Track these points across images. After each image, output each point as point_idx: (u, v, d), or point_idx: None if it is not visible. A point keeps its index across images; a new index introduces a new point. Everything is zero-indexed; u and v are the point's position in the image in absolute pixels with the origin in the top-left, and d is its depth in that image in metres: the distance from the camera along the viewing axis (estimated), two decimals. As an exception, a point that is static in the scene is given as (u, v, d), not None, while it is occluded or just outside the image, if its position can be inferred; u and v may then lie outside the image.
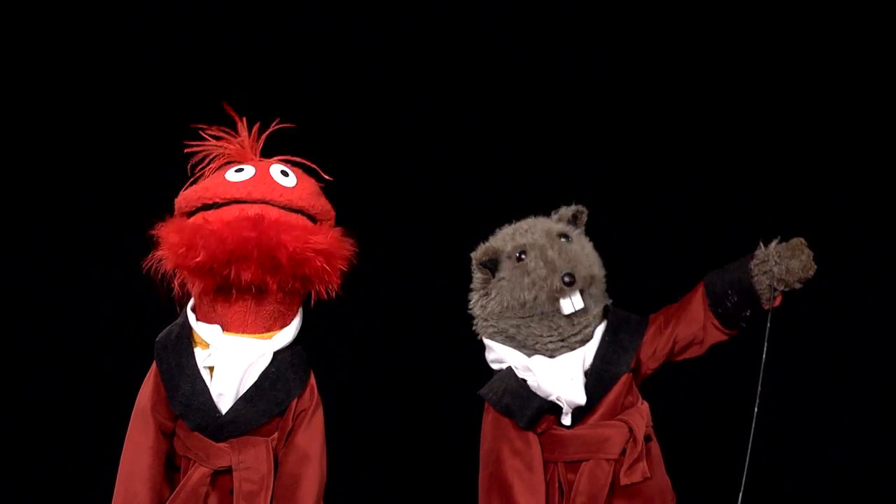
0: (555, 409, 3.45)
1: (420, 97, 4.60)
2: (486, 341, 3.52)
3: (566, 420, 3.44)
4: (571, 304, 3.41)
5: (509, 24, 4.60)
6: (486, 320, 3.51)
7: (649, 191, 4.54)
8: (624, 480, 3.40)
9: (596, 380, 3.43)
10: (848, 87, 4.50)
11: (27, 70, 4.51)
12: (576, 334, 3.45)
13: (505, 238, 3.51)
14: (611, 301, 3.55)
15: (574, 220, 3.54)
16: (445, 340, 4.36)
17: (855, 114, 4.50)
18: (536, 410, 3.44)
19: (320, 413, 3.46)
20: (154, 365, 3.43)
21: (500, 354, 3.51)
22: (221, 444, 3.36)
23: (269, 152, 3.48)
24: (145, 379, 3.45)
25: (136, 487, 3.34)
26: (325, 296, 3.32)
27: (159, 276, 3.30)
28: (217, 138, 3.44)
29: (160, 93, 4.50)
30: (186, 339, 3.40)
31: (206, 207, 3.31)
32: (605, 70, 4.57)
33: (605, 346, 3.45)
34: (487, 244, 3.53)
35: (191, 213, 3.34)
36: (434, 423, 4.47)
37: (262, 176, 3.32)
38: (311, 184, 3.40)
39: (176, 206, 3.39)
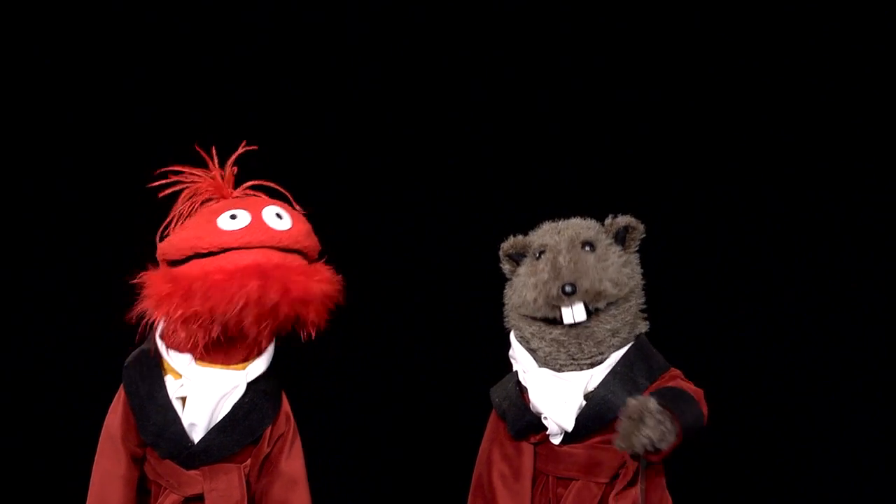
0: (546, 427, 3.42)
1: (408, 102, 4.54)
2: (511, 336, 3.49)
3: (556, 440, 3.41)
4: (572, 314, 3.32)
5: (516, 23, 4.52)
6: (508, 312, 3.48)
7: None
8: None
9: (596, 409, 3.35)
10: (847, 87, 4.46)
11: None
12: (586, 358, 3.37)
13: (539, 234, 3.46)
14: (646, 326, 3.45)
15: (624, 232, 3.44)
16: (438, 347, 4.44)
17: (854, 114, 4.47)
18: (527, 424, 3.42)
19: (299, 440, 3.44)
20: (121, 391, 3.36)
21: (514, 352, 3.48)
22: (193, 472, 3.33)
23: (240, 178, 3.40)
24: (113, 403, 3.38)
25: None
26: (311, 336, 3.26)
27: (143, 325, 3.22)
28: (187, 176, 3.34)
29: (123, 126, 4.38)
30: (156, 368, 3.33)
31: (200, 256, 3.20)
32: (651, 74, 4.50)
33: (614, 375, 3.36)
34: (518, 237, 3.49)
35: (179, 262, 3.22)
36: (430, 433, 4.51)
37: (258, 222, 3.21)
38: (303, 222, 3.30)
39: (161, 253, 3.27)
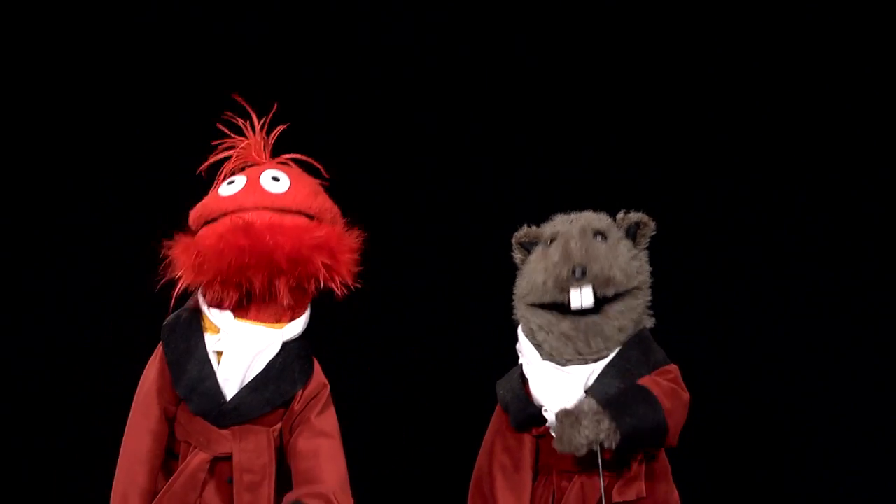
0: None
1: (439, 93, 4.60)
2: (519, 329, 3.51)
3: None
4: (580, 297, 3.34)
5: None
6: (516, 304, 3.50)
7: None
8: (616, 498, 3.37)
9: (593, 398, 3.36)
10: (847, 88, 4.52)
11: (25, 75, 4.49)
12: (593, 353, 3.40)
13: (551, 224, 3.50)
14: (652, 321, 3.48)
15: (636, 227, 3.49)
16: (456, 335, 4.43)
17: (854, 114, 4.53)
18: (528, 416, 3.42)
19: (333, 407, 3.46)
20: (159, 348, 3.41)
21: (521, 345, 3.50)
22: (223, 431, 3.35)
23: (279, 150, 3.48)
24: (149, 362, 3.43)
25: (135, 469, 3.33)
26: (341, 291, 3.31)
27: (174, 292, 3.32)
28: (229, 147, 3.46)
29: (163, 98, 4.49)
30: (196, 323, 3.39)
31: (208, 223, 3.33)
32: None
33: (612, 368, 3.38)
34: (531, 227, 3.53)
35: (199, 230, 3.36)
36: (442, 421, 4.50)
37: (252, 185, 3.33)
38: (306, 184, 3.39)
39: (189, 222, 3.41)
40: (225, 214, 3.30)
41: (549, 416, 3.36)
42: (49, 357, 4.42)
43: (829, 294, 4.44)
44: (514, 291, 3.52)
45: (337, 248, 3.30)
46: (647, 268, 3.48)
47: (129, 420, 3.39)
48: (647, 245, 3.50)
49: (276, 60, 4.50)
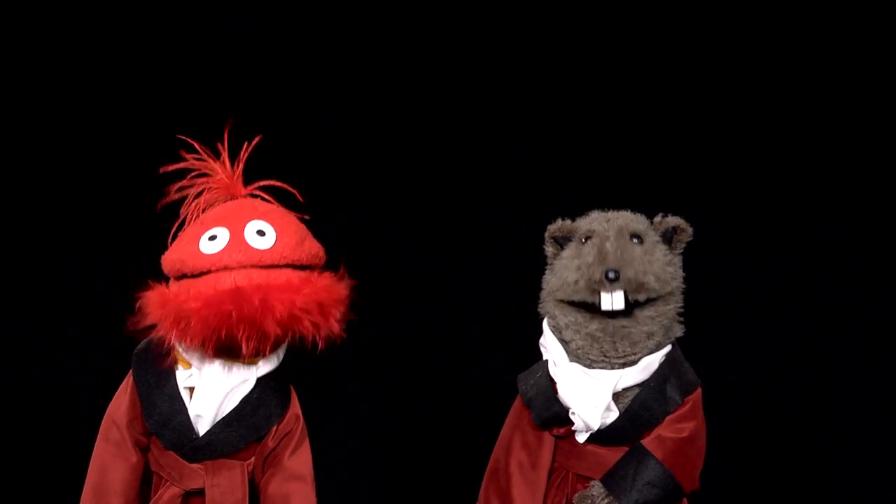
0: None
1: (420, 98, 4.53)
2: (543, 323, 3.47)
3: (580, 438, 3.40)
4: (611, 300, 3.29)
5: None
6: (544, 298, 3.46)
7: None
8: None
9: (628, 422, 3.36)
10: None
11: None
12: (619, 357, 3.36)
13: (587, 221, 3.44)
14: (682, 330, 3.44)
15: (672, 232, 3.43)
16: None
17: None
18: (554, 415, 3.40)
19: (307, 441, 3.39)
20: (130, 377, 3.33)
21: (546, 340, 3.46)
22: (195, 465, 3.30)
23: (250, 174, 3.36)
24: (119, 389, 3.35)
25: (108, 502, 3.27)
26: (326, 345, 3.19)
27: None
28: (200, 175, 3.30)
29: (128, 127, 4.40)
30: (167, 357, 3.26)
31: (186, 277, 3.17)
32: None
33: (648, 391, 3.36)
34: (566, 221, 3.47)
35: (176, 280, 3.21)
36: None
37: (237, 242, 3.16)
38: (292, 232, 3.23)
39: (163, 267, 3.25)
40: (208, 273, 3.13)
41: (577, 419, 3.37)
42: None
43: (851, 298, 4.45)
44: (543, 285, 3.47)
45: (327, 303, 3.16)
46: (681, 273, 3.44)
47: (96, 449, 3.32)
48: (682, 251, 3.45)
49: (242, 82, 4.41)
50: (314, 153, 4.36)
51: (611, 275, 3.28)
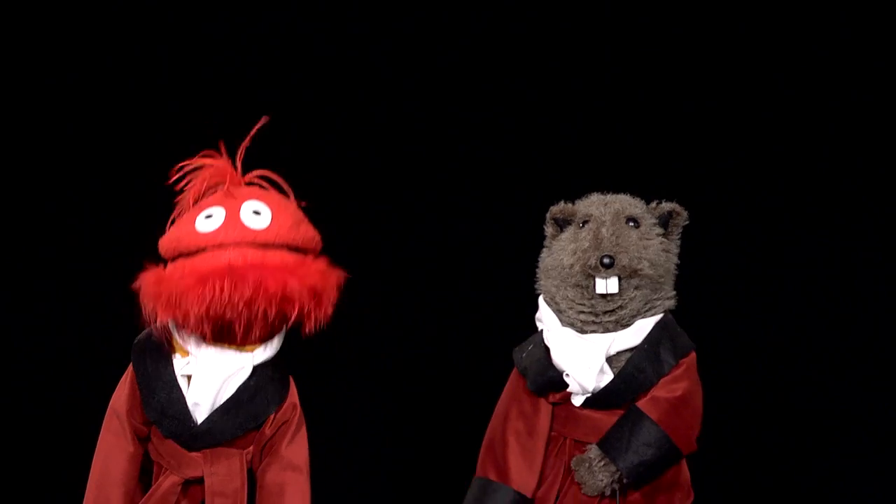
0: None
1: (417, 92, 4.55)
2: (539, 299, 3.53)
3: (577, 401, 3.43)
4: (605, 285, 3.37)
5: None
6: (539, 276, 3.52)
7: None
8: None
9: (623, 384, 3.39)
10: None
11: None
12: (610, 313, 3.40)
13: (586, 203, 3.50)
14: (674, 301, 3.47)
15: (668, 216, 3.47)
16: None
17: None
18: (548, 380, 3.43)
19: (304, 430, 3.40)
20: (130, 368, 3.36)
21: (541, 312, 3.50)
22: (194, 454, 3.31)
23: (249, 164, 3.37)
24: (121, 381, 3.38)
25: (110, 491, 3.30)
26: (315, 330, 3.22)
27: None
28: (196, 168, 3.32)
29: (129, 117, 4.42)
30: (165, 345, 3.31)
31: (182, 256, 3.20)
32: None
33: (641, 353, 3.40)
34: (568, 204, 3.50)
35: (171, 260, 3.24)
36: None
37: (232, 220, 3.19)
38: (288, 215, 3.25)
39: (160, 249, 3.28)
40: (203, 250, 3.16)
41: (571, 382, 3.40)
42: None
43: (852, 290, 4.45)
44: (539, 264, 3.53)
45: (321, 288, 3.19)
46: (676, 259, 3.49)
47: (100, 440, 3.35)
48: (678, 235, 3.50)
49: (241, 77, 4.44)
50: (312, 147, 4.40)
51: (605, 261, 3.35)
